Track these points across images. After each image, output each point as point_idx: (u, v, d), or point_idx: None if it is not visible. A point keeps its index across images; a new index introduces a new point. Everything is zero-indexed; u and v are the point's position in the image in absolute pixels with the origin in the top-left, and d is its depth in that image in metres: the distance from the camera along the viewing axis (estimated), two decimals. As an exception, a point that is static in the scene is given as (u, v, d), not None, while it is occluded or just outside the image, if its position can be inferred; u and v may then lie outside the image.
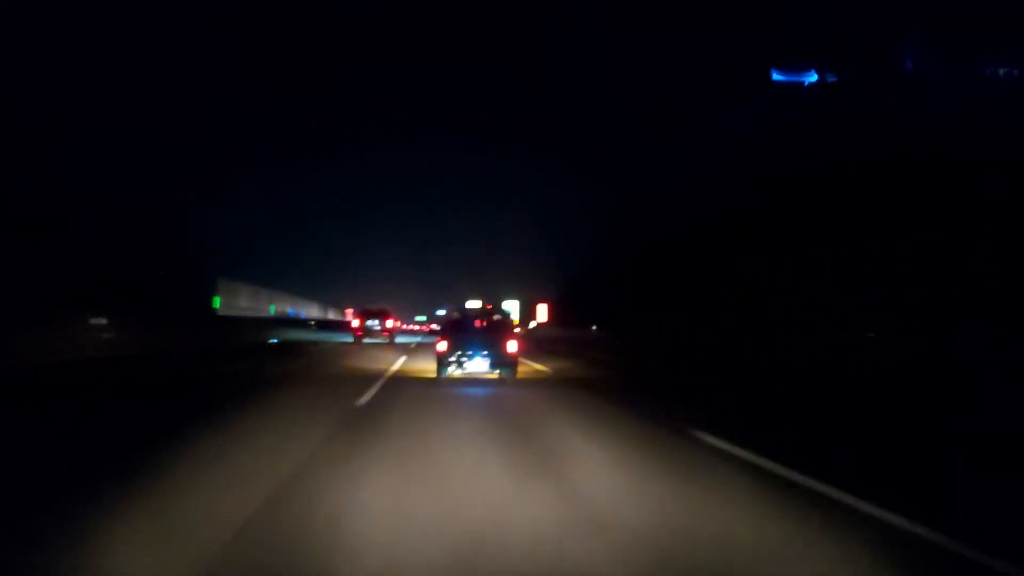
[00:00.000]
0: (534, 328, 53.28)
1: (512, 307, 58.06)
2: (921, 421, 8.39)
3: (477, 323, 13.27)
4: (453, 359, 12.14)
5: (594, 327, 34.76)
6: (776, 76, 14.91)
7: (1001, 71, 13.95)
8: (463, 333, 12.72)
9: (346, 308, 71.17)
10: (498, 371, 12.21)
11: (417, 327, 72.03)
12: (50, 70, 22.26)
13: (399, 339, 38.18)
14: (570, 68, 62.04)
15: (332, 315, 73.48)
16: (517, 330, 13.14)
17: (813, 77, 14.63)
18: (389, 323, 35.89)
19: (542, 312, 50.64)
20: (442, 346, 12.42)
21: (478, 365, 12.10)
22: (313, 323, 40.61)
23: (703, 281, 26.78)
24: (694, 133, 30.86)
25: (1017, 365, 8.90)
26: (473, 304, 53.35)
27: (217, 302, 35.56)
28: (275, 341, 26.32)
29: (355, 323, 35.42)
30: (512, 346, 12.30)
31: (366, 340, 33.42)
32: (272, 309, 50.86)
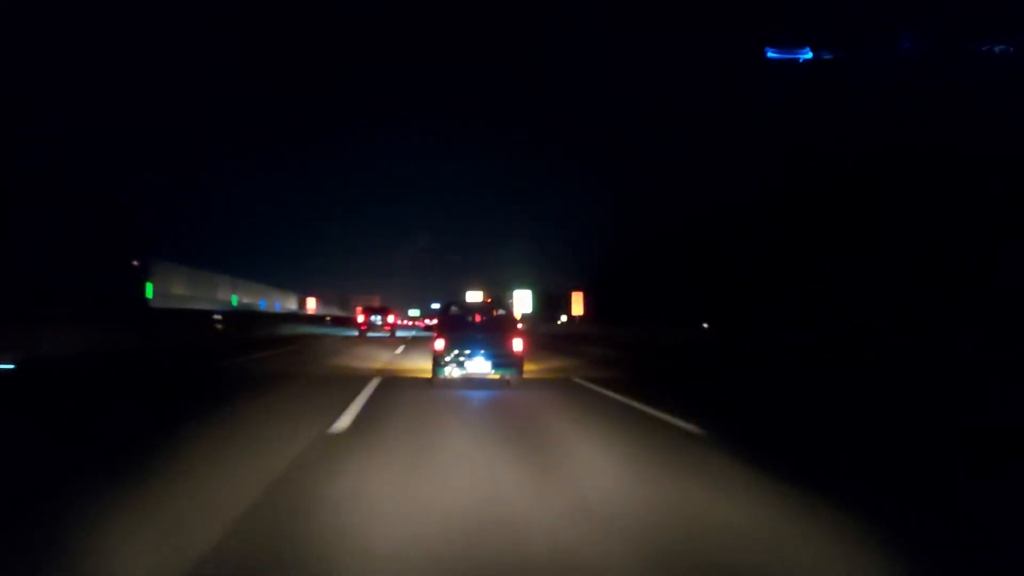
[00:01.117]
0: (566, 323, 42.69)
1: (523, 298, 52.90)
2: (921, 421, 8.39)
3: (478, 318, 12.21)
4: (451, 358, 11.06)
5: (705, 325, 24.84)
6: (771, 54, 14.78)
7: (997, 48, 13.87)
8: (462, 330, 11.61)
9: (308, 296, 62.82)
10: (501, 372, 11.15)
11: (411, 322, 69.92)
12: (49, 69, 22.25)
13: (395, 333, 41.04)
14: (570, 68, 62.19)
15: (294, 306, 63.97)
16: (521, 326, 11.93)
17: (808, 54, 14.51)
18: (390, 319, 40.39)
19: (577, 303, 39.56)
20: (439, 344, 11.22)
21: (479, 365, 11.01)
22: (219, 317, 28.47)
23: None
24: (694, 132, 30.87)
25: (1017, 365, 8.91)
26: (473, 296, 51.77)
27: (150, 290, 29.58)
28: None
29: (360, 319, 39.43)
30: (517, 344, 11.25)
31: (370, 334, 37.00)
32: (234, 300, 45.18)
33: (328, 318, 59.03)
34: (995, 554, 3.62)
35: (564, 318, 43.14)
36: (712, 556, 3.57)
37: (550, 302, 50.86)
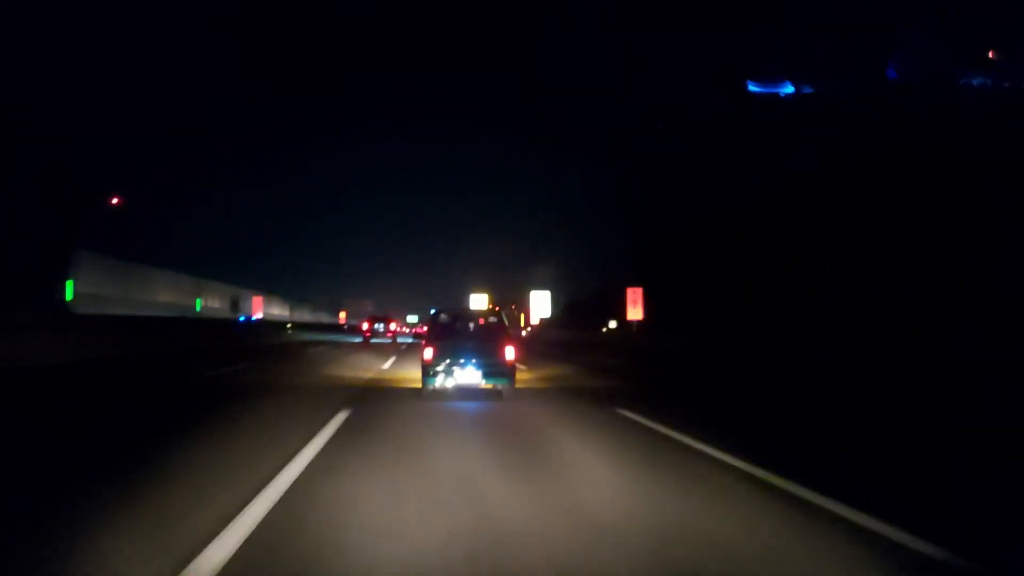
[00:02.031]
0: (614, 330, 33.74)
1: (540, 300, 51.14)
2: (921, 421, 8.39)
3: (468, 326, 11.82)
4: (441, 368, 10.61)
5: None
6: (752, 87, 14.89)
7: (975, 81, 14.00)
8: (453, 338, 11.18)
9: (254, 298, 48.76)
10: (492, 382, 10.75)
11: (409, 329, 68.42)
12: (49, 69, 22.24)
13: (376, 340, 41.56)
14: (570, 68, 62.22)
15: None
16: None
17: (789, 89, 14.61)
18: (392, 326, 44.66)
19: (634, 304, 28.42)
20: (428, 353, 10.75)
21: (469, 375, 10.61)
22: None
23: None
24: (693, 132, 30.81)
25: (1017, 365, 8.90)
26: (478, 299, 50.35)
27: (70, 290, 23.87)
28: None
29: (364, 326, 42.66)
30: (509, 353, 10.84)
31: (373, 340, 39.28)
32: (199, 304, 39.66)
33: (289, 326, 47.49)
34: (995, 554, 3.62)
35: (613, 324, 34.50)
36: (713, 561, 3.57)
37: (582, 304, 45.79)
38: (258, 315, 48.15)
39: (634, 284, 29.29)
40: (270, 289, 59.39)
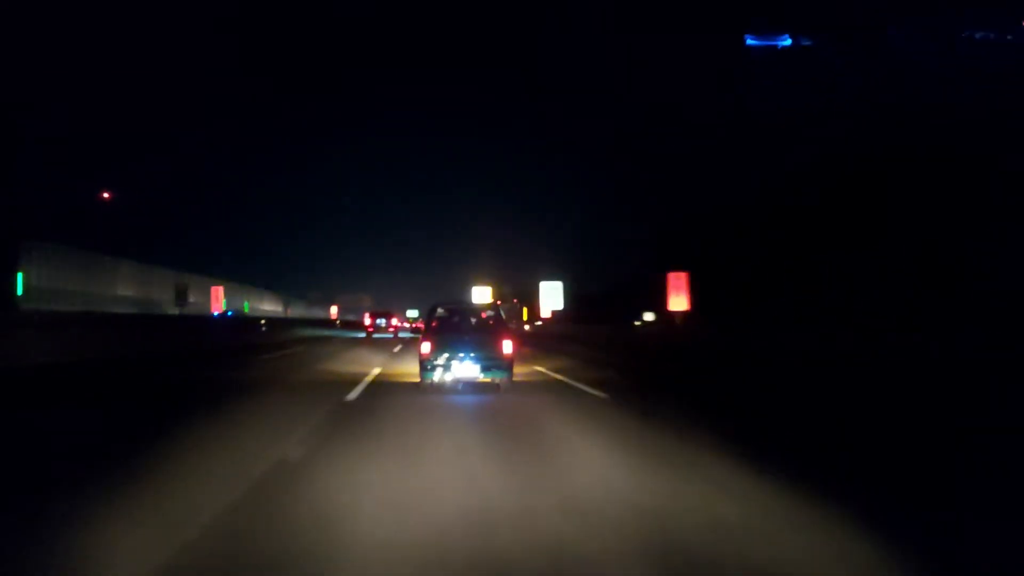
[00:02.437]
0: (650, 323, 31.21)
1: (551, 291, 49.79)
2: (921, 421, 8.38)
3: (466, 320, 12.02)
4: (439, 362, 10.67)
5: None
6: (750, 41, 14.83)
7: (977, 35, 13.92)
8: (450, 332, 11.35)
9: (213, 288, 40.72)
10: (490, 375, 10.81)
11: (410, 324, 66.95)
12: (49, 69, 22.24)
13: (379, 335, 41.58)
14: (570, 68, 62.30)
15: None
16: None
17: (787, 41, 14.54)
18: (394, 321, 46.86)
19: (678, 292, 24.46)
20: (425, 347, 10.81)
21: (467, 369, 10.67)
22: None
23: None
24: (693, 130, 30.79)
25: (1017, 365, 8.90)
26: (481, 292, 50.00)
27: (20, 284, 21.81)
28: None
29: (367, 321, 44.27)
30: (507, 346, 10.88)
31: (376, 335, 40.69)
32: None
33: (263, 322, 38.57)
34: (994, 552, 3.62)
35: (650, 316, 32.25)
36: (710, 552, 3.57)
37: (602, 295, 42.87)
38: (219, 309, 40.40)
39: (676, 268, 25.12)
40: (266, 284, 60.02)
